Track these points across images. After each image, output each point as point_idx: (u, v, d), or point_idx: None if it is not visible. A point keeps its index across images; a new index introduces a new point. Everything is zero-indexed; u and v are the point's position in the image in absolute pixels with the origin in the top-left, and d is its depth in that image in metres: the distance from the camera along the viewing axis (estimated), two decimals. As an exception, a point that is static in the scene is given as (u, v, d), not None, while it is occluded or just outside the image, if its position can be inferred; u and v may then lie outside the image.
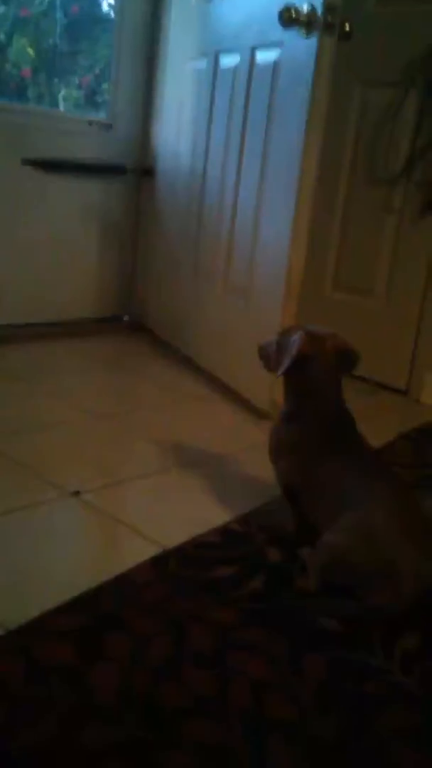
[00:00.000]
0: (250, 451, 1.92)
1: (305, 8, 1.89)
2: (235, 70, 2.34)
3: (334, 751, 0.95)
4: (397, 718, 1.02)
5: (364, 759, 0.94)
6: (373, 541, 1.22)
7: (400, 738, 0.98)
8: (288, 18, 1.89)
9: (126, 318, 3.16)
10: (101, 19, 3.00)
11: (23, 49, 2.84)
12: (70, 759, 0.88)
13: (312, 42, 1.90)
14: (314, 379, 1.42)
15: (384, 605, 1.21)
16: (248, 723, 0.97)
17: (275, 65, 2.10)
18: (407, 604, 1.21)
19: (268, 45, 2.13)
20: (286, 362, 1.40)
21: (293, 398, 1.46)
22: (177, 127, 2.77)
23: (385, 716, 1.02)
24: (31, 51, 2.85)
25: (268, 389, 2.13)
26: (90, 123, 2.92)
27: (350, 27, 1.92)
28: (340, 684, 1.07)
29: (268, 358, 1.47)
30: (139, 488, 1.67)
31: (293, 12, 1.88)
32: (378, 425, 2.28)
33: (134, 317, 3.15)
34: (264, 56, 2.17)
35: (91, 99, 3.09)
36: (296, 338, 1.41)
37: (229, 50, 2.37)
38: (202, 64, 2.56)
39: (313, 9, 1.88)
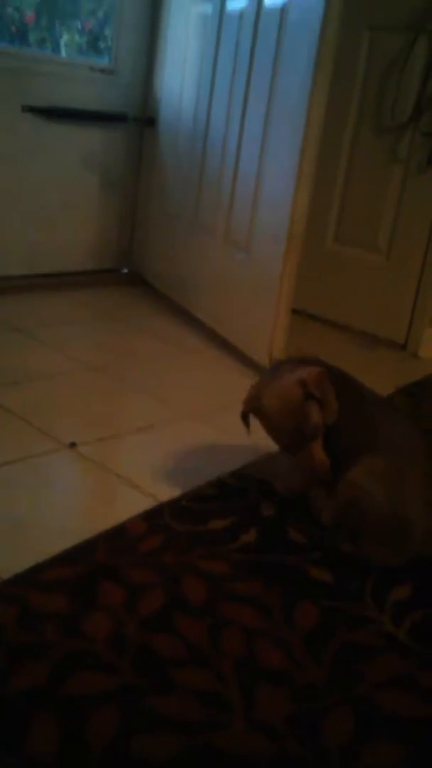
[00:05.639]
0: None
1: None
2: (241, 13, 2.27)
3: (325, 698, 0.96)
4: (387, 666, 1.04)
5: (355, 705, 0.95)
6: (397, 496, 1.21)
7: (390, 685, 1.00)
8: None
9: (125, 270, 3.13)
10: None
11: (28, -9, 2.74)
12: (63, 705, 0.89)
13: (320, -17, 1.84)
14: None
15: (385, 557, 1.22)
16: (240, 671, 0.99)
17: (283, 9, 2.03)
18: (406, 560, 1.22)
19: (275, -13, 2.07)
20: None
21: None
22: (181, 74, 2.70)
23: (376, 664, 1.04)
24: (35, -7, 2.76)
25: (267, 343, 2.12)
26: (92, 69, 2.85)
27: (359, -32, 1.86)
28: (332, 633, 1.09)
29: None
30: (135, 441, 1.67)
31: None
32: (376, 379, 2.26)
33: (133, 270, 3.12)
34: (271, -1, 2.10)
35: (93, 44, 3.00)
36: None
37: (236, -7, 2.30)
38: (208, 8, 2.48)
39: None
